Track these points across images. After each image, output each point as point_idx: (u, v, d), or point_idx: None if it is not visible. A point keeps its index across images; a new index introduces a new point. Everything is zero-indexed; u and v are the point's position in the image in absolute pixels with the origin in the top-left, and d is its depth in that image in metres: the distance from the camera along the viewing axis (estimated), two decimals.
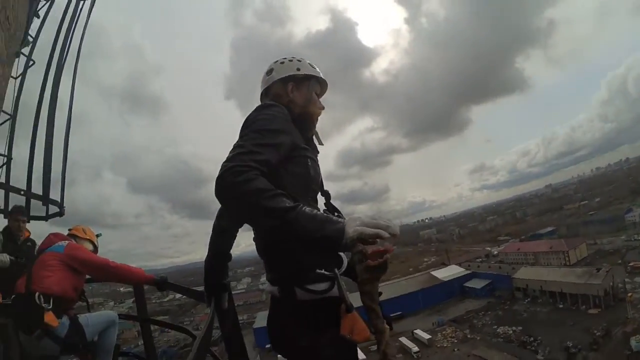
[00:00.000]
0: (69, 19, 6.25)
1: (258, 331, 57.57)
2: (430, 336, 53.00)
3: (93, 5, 6.54)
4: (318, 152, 2.01)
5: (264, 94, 2.08)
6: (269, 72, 2.05)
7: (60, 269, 3.32)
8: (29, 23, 4.30)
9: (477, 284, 70.72)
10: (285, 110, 1.80)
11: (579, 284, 52.61)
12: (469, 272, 76.53)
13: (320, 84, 2.12)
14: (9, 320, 3.32)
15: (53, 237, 3.65)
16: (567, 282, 54.84)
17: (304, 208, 1.33)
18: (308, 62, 2.07)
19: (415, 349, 49.33)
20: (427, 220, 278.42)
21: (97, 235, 4.23)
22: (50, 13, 6.19)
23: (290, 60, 2.04)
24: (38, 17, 5.69)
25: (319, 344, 1.62)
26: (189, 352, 1.56)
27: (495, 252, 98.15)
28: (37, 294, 3.08)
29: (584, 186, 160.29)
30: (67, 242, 3.57)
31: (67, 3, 6.37)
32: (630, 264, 59.83)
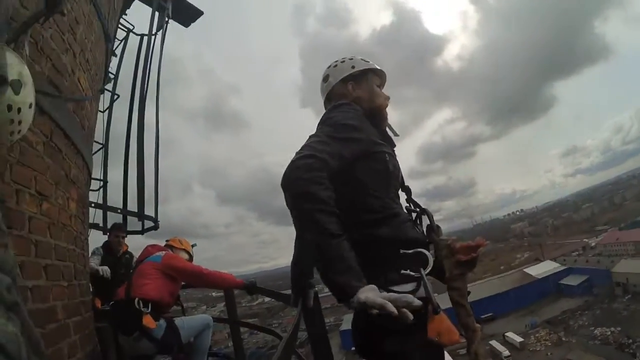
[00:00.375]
0: (144, 53, 6.79)
1: (344, 333, 57.18)
2: (522, 339, 50.36)
3: (164, 40, 7.03)
4: (394, 146, 1.96)
5: (327, 101, 2.07)
6: (326, 78, 2.06)
7: (158, 277, 3.57)
8: (107, 62, 4.74)
9: (573, 280, 65.60)
10: (358, 107, 1.81)
11: None
12: (564, 267, 71.13)
13: (378, 76, 2.07)
14: (107, 323, 3.73)
15: (151, 249, 3.93)
16: None
17: (345, 242, 1.33)
18: (360, 57, 2.05)
19: (506, 352, 47.10)
20: (518, 213, 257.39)
21: (193, 246, 4.47)
22: (126, 51, 6.85)
23: (343, 61, 2.04)
24: (115, 55, 6.16)
25: (406, 349, 1.50)
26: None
27: (593, 244, 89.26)
28: (136, 299, 3.35)
29: None
30: (164, 252, 3.83)
31: (140, 40, 6.99)
32: None
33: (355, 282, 1.26)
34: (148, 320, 3.35)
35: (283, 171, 1.42)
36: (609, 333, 46.39)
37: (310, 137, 1.59)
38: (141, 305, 3.36)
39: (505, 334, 52.16)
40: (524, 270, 75.60)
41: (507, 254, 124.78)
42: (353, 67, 1.99)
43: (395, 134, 2.02)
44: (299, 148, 1.51)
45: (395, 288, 1.50)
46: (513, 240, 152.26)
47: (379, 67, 2.05)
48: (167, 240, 4.32)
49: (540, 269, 72.43)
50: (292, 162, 1.42)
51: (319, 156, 1.43)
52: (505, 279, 72.12)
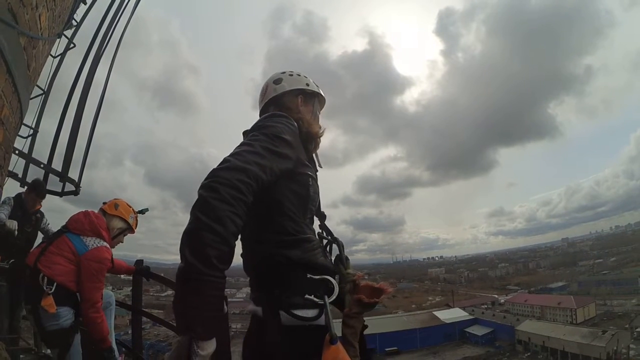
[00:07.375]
0: (115, 9, 6.52)
1: None
2: None
3: (139, 2, 6.82)
4: (317, 170, 1.90)
5: (268, 103, 2.02)
6: (278, 81, 2.00)
7: (72, 265, 3.23)
8: (74, 7, 4.51)
9: (478, 330, 68.43)
10: (295, 124, 1.77)
11: (583, 344, 50.94)
12: (472, 317, 74.20)
13: (321, 103, 2.12)
14: (4, 283, 3.41)
15: (83, 218, 3.45)
16: (570, 341, 53.04)
17: (220, 286, 1.23)
18: (312, 80, 2.06)
19: None
20: (437, 259, 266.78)
21: (142, 212, 4.12)
22: (97, 2, 6.38)
23: (299, 75, 2.03)
24: (85, 3, 5.83)
25: None
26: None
27: (502, 301, 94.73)
28: (41, 275, 3.06)
29: (601, 244, 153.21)
30: (93, 246, 3.31)
31: None
32: (638, 329, 57.02)
33: (186, 327, 1.23)
34: (48, 303, 3.02)
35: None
36: None
37: (243, 144, 1.55)
38: (45, 282, 3.05)
39: None
40: (434, 312, 77.87)
41: (421, 294, 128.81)
42: (308, 84, 2.02)
43: (319, 165, 1.97)
44: (226, 158, 1.43)
45: (297, 312, 1.52)
46: (428, 283, 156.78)
47: (324, 96, 2.12)
48: (104, 203, 3.84)
49: (449, 315, 74.63)
50: (219, 171, 1.35)
51: (250, 170, 1.38)
52: (415, 318, 73.87)
